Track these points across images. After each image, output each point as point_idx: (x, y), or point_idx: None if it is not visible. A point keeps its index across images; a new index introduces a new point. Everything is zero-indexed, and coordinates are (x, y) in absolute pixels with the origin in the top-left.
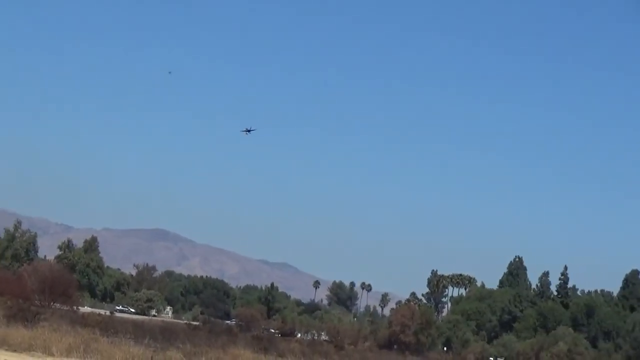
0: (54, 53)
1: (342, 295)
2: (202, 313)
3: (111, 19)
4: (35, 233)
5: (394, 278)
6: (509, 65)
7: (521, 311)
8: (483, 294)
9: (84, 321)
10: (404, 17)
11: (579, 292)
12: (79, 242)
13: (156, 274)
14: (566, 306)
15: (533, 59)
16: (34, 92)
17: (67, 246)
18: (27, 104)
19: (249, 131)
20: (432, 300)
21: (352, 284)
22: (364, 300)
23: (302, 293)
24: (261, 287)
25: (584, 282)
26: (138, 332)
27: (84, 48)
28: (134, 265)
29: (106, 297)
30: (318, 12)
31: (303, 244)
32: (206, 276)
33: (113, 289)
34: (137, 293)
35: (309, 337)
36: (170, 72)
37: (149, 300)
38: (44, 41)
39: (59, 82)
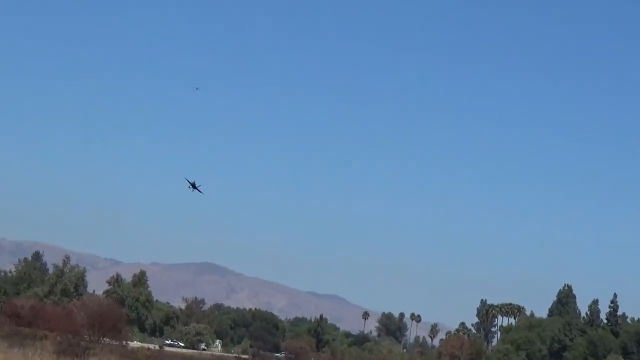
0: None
1: (391, 326)
2: (251, 346)
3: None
4: (84, 268)
5: (443, 308)
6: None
7: (571, 340)
8: (532, 323)
9: (134, 356)
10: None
11: (629, 320)
12: (127, 277)
13: (205, 308)
14: (616, 334)
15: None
16: (82, 128)
17: (116, 281)
18: (75, 139)
19: (194, 187)
20: (482, 330)
21: (402, 315)
22: (414, 331)
23: (351, 324)
24: (310, 319)
25: (635, 309)
26: None
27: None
28: (183, 298)
29: (155, 332)
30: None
31: (351, 275)
32: (255, 309)
33: (162, 323)
34: (186, 327)
35: None
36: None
37: (198, 333)
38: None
39: (108, 114)
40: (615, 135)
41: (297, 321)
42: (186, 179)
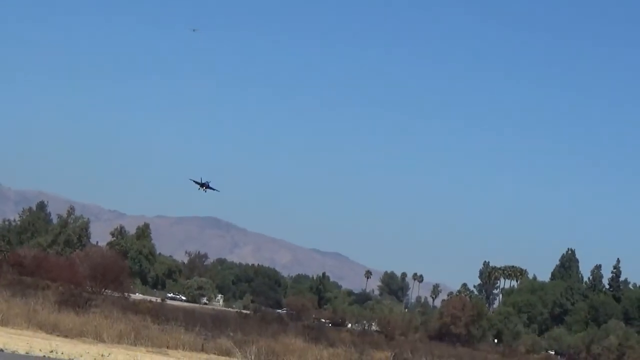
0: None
1: (394, 286)
2: (253, 302)
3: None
4: (88, 219)
5: (445, 269)
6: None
7: (572, 304)
8: (535, 287)
9: (135, 308)
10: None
11: (631, 286)
12: (131, 229)
13: (208, 262)
14: (618, 300)
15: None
16: (90, 77)
17: (120, 233)
18: (82, 89)
19: (203, 185)
20: (484, 292)
21: (404, 275)
22: (415, 291)
23: (353, 283)
24: (312, 277)
25: (637, 275)
26: (189, 319)
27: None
28: (186, 252)
29: (157, 285)
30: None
31: (355, 234)
32: (258, 264)
33: (164, 277)
34: (188, 281)
35: (360, 327)
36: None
37: (200, 288)
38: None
39: (119, 66)
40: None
41: (300, 278)
42: (193, 180)
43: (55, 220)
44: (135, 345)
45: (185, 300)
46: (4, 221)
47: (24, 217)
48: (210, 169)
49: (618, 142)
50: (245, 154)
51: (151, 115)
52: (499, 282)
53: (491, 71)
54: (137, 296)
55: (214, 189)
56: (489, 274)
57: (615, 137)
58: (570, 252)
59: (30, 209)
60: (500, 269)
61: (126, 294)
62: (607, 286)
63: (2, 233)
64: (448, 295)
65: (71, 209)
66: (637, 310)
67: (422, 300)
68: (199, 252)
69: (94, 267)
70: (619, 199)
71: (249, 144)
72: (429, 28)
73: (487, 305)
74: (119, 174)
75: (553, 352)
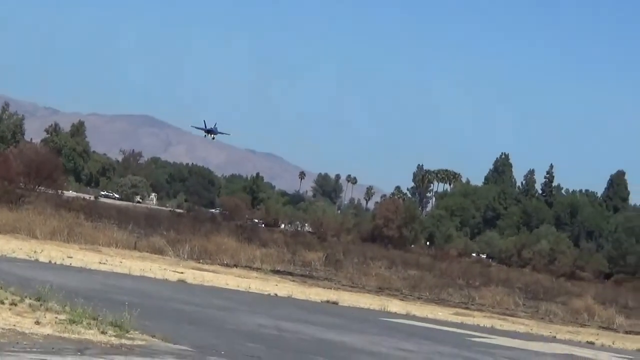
0: None
1: (327, 188)
2: (186, 201)
3: None
4: (23, 116)
5: (379, 172)
6: None
7: (505, 208)
8: (468, 190)
9: (69, 205)
10: None
11: (563, 192)
12: (66, 127)
13: (142, 161)
14: (550, 205)
15: None
16: None
17: (54, 130)
18: None
19: (209, 132)
20: (417, 195)
21: (338, 177)
22: (349, 193)
23: (287, 184)
24: (246, 177)
25: (569, 181)
26: (122, 218)
27: None
28: (120, 151)
29: (91, 182)
30: None
31: (290, 135)
32: (192, 164)
33: (98, 175)
34: (122, 179)
35: (293, 228)
36: None
37: (134, 186)
38: None
39: None
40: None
41: (233, 178)
42: (196, 127)
43: None
44: (68, 242)
45: (118, 199)
46: None
47: None
48: (146, 68)
49: (547, 46)
50: (181, 52)
51: (87, 12)
52: (432, 185)
53: None
54: (71, 194)
55: (222, 133)
56: (422, 177)
57: (548, 41)
58: (504, 156)
59: None
60: (433, 172)
61: (60, 191)
62: (540, 191)
63: None
64: (381, 198)
65: (6, 105)
66: (569, 216)
67: (356, 202)
68: (133, 151)
69: (27, 163)
70: (553, 105)
71: (185, 43)
72: None
73: (420, 208)
74: (55, 70)
75: (484, 256)
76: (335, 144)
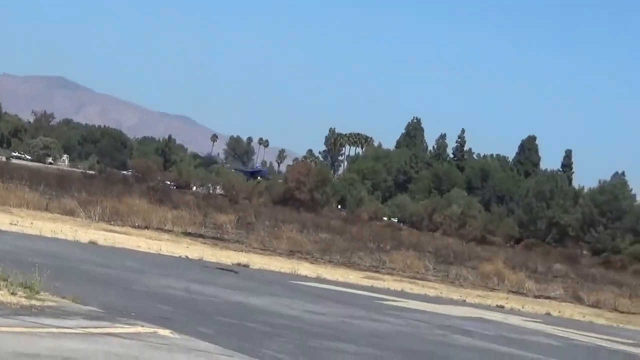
0: None
1: (239, 150)
2: (98, 162)
3: None
4: None
5: (291, 135)
6: None
7: (416, 172)
8: (380, 154)
9: None
10: None
11: (475, 156)
12: None
13: (54, 122)
14: (461, 169)
15: None
16: None
17: None
18: None
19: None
20: (329, 159)
21: (250, 139)
22: (261, 156)
23: (199, 146)
24: (159, 139)
25: (481, 146)
26: (34, 178)
27: None
28: (32, 112)
29: (3, 144)
30: None
31: (203, 97)
32: (104, 126)
33: (10, 136)
34: (34, 140)
35: (204, 190)
36: None
37: (46, 147)
38: None
39: None
40: None
41: (146, 140)
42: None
43: None
44: None
45: (30, 160)
46: None
47: None
48: (59, 28)
49: (458, 10)
50: (94, 13)
51: None
52: (344, 149)
53: None
54: None
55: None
56: (334, 141)
57: (459, 3)
58: (415, 121)
59: None
60: (346, 136)
61: None
62: (451, 155)
63: None
64: (293, 161)
65: None
66: (480, 180)
67: (267, 165)
68: (45, 112)
69: None
70: (465, 70)
71: (97, 4)
72: None
73: (331, 171)
74: None
75: (396, 219)
76: (248, 107)
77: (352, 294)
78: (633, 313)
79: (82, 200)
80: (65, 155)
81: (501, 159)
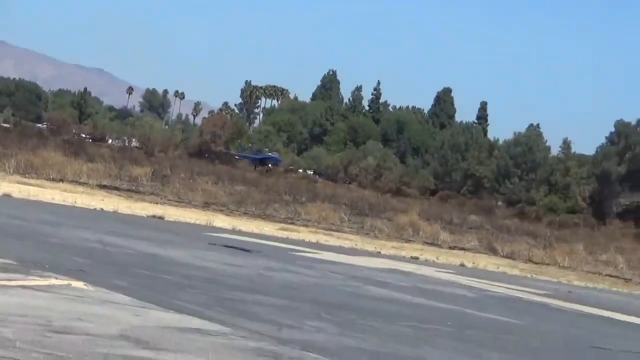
0: None
1: (155, 103)
2: (13, 115)
3: None
4: None
5: (207, 87)
6: None
7: (332, 125)
8: (295, 107)
9: None
10: None
11: (390, 108)
12: None
13: None
14: (377, 122)
15: None
16: None
17: None
18: None
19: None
20: (245, 111)
21: (165, 92)
22: (177, 109)
23: (115, 99)
24: (74, 92)
25: (397, 98)
26: None
27: None
28: None
29: None
30: None
31: (119, 50)
32: (19, 79)
33: None
34: None
35: (120, 143)
36: None
37: None
38: None
39: None
40: None
41: (61, 93)
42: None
43: None
44: None
45: None
46: None
47: None
48: None
49: None
50: None
51: None
52: (260, 101)
53: None
54: None
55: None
56: (250, 93)
57: None
58: (331, 73)
59: None
60: (261, 88)
61: None
62: (367, 108)
63: None
64: (209, 114)
65: None
66: (395, 132)
67: (183, 117)
68: None
69: None
70: (380, 21)
71: None
72: None
73: (247, 124)
74: None
75: (311, 172)
76: (164, 60)
77: (268, 245)
78: (547, 264)
79: None
80: None
81: (417, 111)
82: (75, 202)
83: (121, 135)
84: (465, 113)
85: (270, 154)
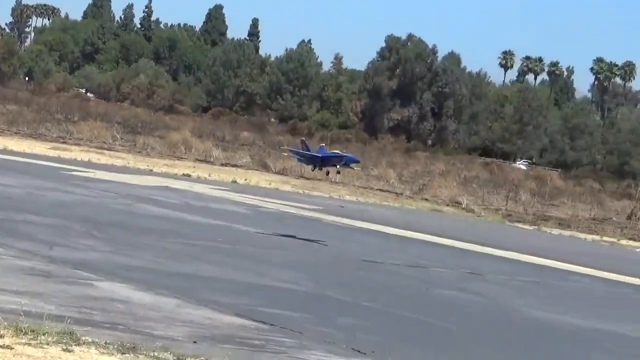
0: None
1: None
2: None
3: None
4: None
5: None
6: None
7: (104, 43)
8: (67, 25)
9: None
10: None
11: (162, 26)
12: None
13: None
14: (149, 39)
15: None
16: None
17: None
18: None
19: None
20: (16, 30)
21: None
22: None
23: None
24: None
25: (169, 16)
26: None
27: None
28: None
29: None
30: None
31: None
32: None
33: None
34: None
35: None
36: None
37: None
38: None
39: None
40: None
41: None
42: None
43: None
44: None
45: None
46: None
47: None
48: None
49: None
50: None
51: None
52: (31, 20)
53: None
54: None
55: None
56: (21, 12)
57: None
58: None
59: None
60: (32, 7)
61: None
62: (139, 26)
63: None
64: None
65: None
66: (167, 50)
67: None
68: None
69: None
70: None
71: None
72: None
73: (19, 43)
74: None
75: (84, 90)
76: None
77: (39, 165)
78: (319, 179)
79: None
80: None
81: (188, 29)
82: None
83: None
84: (236, 30)
85: (337, 152)
